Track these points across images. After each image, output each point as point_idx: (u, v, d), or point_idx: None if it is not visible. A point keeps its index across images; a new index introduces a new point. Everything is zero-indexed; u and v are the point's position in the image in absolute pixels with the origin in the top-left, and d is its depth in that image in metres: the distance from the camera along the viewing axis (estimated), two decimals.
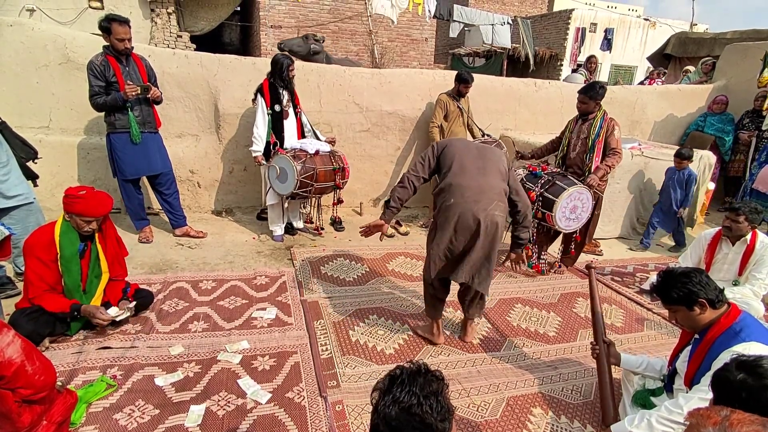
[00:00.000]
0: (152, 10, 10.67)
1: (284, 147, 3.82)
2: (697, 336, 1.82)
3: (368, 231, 2.56)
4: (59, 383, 1.88)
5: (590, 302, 2.37)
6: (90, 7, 9.99)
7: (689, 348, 1.83)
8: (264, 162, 3.82)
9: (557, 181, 3.41)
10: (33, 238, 2.35)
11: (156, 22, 10.70)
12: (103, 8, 9.93)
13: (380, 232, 2.56)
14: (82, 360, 2.27)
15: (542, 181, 3.47)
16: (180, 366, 2.30)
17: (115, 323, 2.52)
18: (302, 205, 4.20)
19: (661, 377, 2.00)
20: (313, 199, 4.12)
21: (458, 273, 2.40)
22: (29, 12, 9.60)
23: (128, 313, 2.55)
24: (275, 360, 2.40)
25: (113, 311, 2.50)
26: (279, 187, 3.76)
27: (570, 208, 3.38)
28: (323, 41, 6.47)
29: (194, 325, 2.66)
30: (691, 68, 7.22)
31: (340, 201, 4.16)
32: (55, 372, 1.78)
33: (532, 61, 11.30)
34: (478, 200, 2.32)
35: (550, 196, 3.37)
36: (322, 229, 4.23)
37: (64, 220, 2.41)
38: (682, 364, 1.84)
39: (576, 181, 3.42)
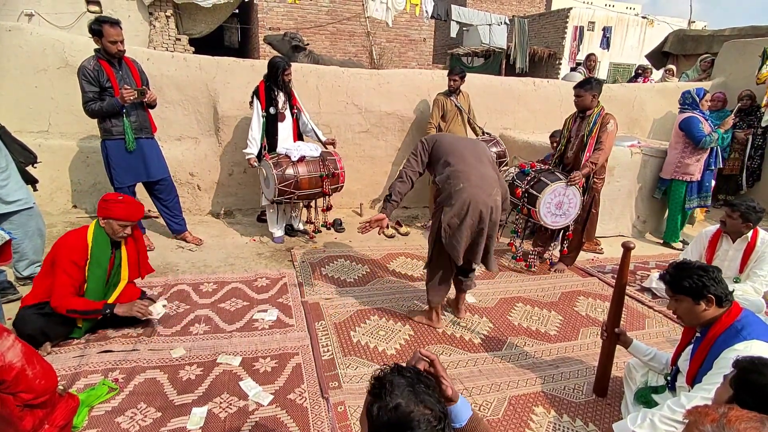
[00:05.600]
0: (151, 14, 10.69)
1: (276, 150, 3.78)
2: (698, 334, 1.81)
3: (368, 226, 2.65)
4: (61, 387, 1.88)
5: (615, 286, 2.20)
6: (88, 11, 10.02)
7: (691, 347, 1.83)
8: (257, 164, 3.80)
9: (542, 178, 3.43)
10: (69, 241, 2.36)
11: (154, 26, 10.72)
12: (101, 12, 9.96)
13: (380, 227, 2.67)
14: (83, 363, 2.27)
15: (528, 178, 3.51)
16: (182, 368, 2.29)
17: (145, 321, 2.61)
18: (292, 209, 4.10)
19: (665, 373, 1.99)
20: (310, 202, 4.04)
21: (476, 256, 2.60)
22: (27, 17, 9.62)
23: (164, 310, 2.68)
24: (277, 362, 2.40)
25: (156, 309, 2.63)
26: (265, 192, 3.77)
27: (555, 203, 3.38)
28: (306, 44, 6.62)
29: (195, 328, 2.66)
30: (673, 67, 7.29)
31: (328, 208, 4.03)
32: (56, 376, 1.78)
33: (519, 64, 11.34)
34: (482, 186, 2.50)
35: (534, 192, 3.39)
36: (317, 232, 4.13)
37: (98, 226, 2.43)
38: (684, 363, 1.84)
39: (561, 177, 3.40)
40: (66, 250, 2.33)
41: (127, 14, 10.40)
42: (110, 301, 2.51)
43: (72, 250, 2.34)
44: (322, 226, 4.14)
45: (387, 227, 2.75)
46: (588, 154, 3.39)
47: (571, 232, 3.64)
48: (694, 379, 1.74)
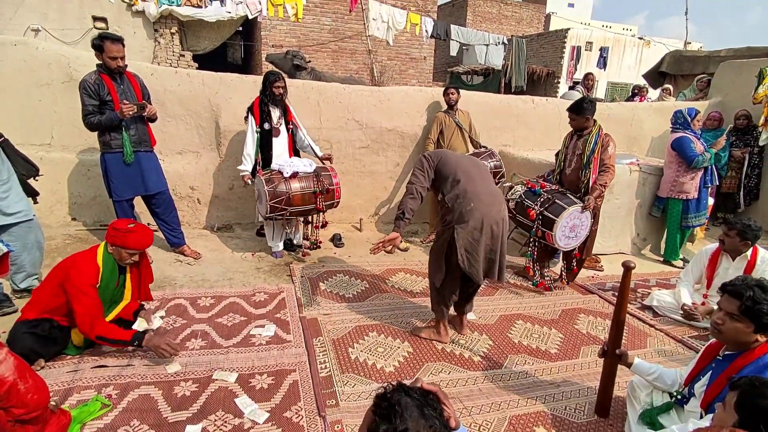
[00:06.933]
0: (156, 30, 10.86)
1: (270, 166, 3.78)
2: (720, 357, 1.75)
3: (382, 246, 2.60)
4: (53, 402, 1.85)
5: (616, 307, 2.16)
6: (95, 27, 10.18)
7: (710, 373, 1.77)
8: (251, 182, 3.81)
9: (557, 200, 3.40)
10: (82, 266, 2.33)
11: (159, 42, 10.88)
12: (107, 28, 10.12)
13: (393, 246, 2.65)
14: (77, 379, 2.23)
15: (542, 200, 3.46)
16: (177, 384, 2.26)
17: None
18: (286, 225, 4.02)
19: (674, 392, 1.94)
20: (307, 217, 4.02)
21: (494, 272, 2.61)
22: (34, 32, 9.77)
23: (160, 321, 2.71)
24: (273, 378, 2.36)
25: (141, 324, 2.62)
26: (259, 208, 3.78)
27: (570, 227, 3.36)
28: (307, 61, 6.65)
29: (192, 343, 2.63)
30: (670, 87, 7.42)
31: (323, 225, 3.99)
32: (48, 391, 1.75)
33: (515, 82, 11.51)
34: (492, 203, 2.53)
35: (550, 216, 3.35)
36: (312, 248, 4.10)
37: (107, 251, 2.42)
38: (701, 388, 1.78)
39: (575, 199, 3.40)
40: (81, 275, 2.30)
41: (133, 31, 10.56)
42: (111, 316, 2.50)
43: (88, 275, 2.33)
44: (313, 243, 4.08)
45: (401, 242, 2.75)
46: (594, 176, 3.41)
47: (577, 251, 3.62)
48: (709, 406, 1.68)
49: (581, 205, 3.34)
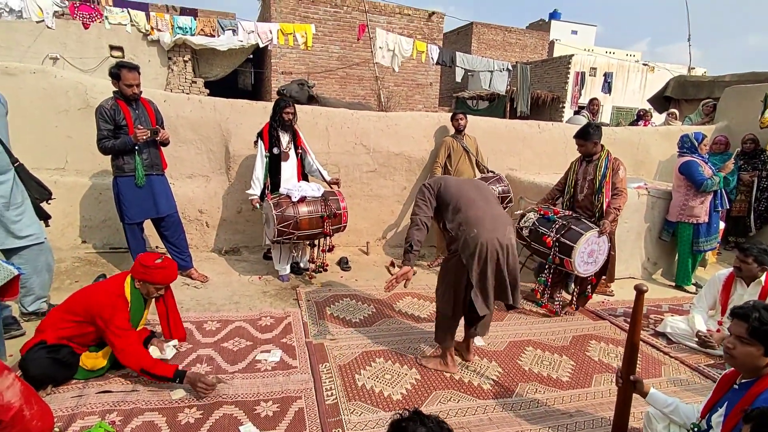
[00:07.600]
0: (170, 59, 11.22)
1: (279, 190, 3.82)
2: (736, 386, 1.70)
3: (395, 282, 2.54)
4: (56, 429, 1.83)
5: (629, 332, 2.10)
6: (111, 56, 10.55)
7: (727, 403, 1.71)
8: (259, 205, 3.84)
9: (573, 226, 3.37)
10: (115, 301, 2.34)
11: (173, 69, 11.22)
12: (123, 57, 10.48)
13: (407, 280, 2.56)
14: (81, 404, 2.20)
15: (557, 226, 3.43)
16: (181, 411, 2.22)
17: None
18: (293, 249, 4.04)
19: (691, 425, 1.88)
20: (314, 241, 4.02)
21: (507, 296, 2.55)
22: (53, 60, 10.14)
23: (174, 350, 2.72)
24: (279, 405, 2.32)
25: (153, 353, 2.58)
26: (267, 231, 3.80)
27: (588, 252, 3.33)
28: (313, 86, 6.91)
29: (197, 368, 2.60)
30: (675, 111, 7.48)
31: (330, 249, 4.00)
32: (52, 417, 1.74)
33: (519, 107, 11.71)
34: (496, 227, 2.48)
35: (568, 242, 3.32)
36: (317, 272, 4.10)
37: (134, 286, 2.46)
38: (718, 419, 1.72)
39: (591, 224, 3.38)
40: (115, 310, 2.32)
41: (148, 59, 10.92)
42: None
43: (122, 310, 2.36)
44: (320, 266, 4.08)
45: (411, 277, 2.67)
46: (608, 200, 3.42)
47: (594, 276, 3.58)
48: None
49: (598, 229, 3.32)
